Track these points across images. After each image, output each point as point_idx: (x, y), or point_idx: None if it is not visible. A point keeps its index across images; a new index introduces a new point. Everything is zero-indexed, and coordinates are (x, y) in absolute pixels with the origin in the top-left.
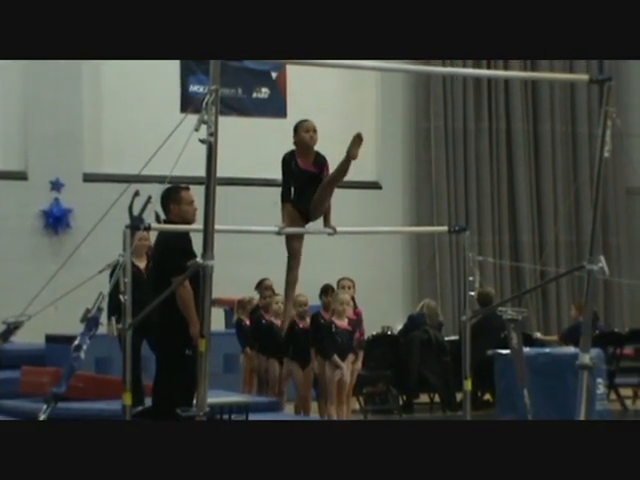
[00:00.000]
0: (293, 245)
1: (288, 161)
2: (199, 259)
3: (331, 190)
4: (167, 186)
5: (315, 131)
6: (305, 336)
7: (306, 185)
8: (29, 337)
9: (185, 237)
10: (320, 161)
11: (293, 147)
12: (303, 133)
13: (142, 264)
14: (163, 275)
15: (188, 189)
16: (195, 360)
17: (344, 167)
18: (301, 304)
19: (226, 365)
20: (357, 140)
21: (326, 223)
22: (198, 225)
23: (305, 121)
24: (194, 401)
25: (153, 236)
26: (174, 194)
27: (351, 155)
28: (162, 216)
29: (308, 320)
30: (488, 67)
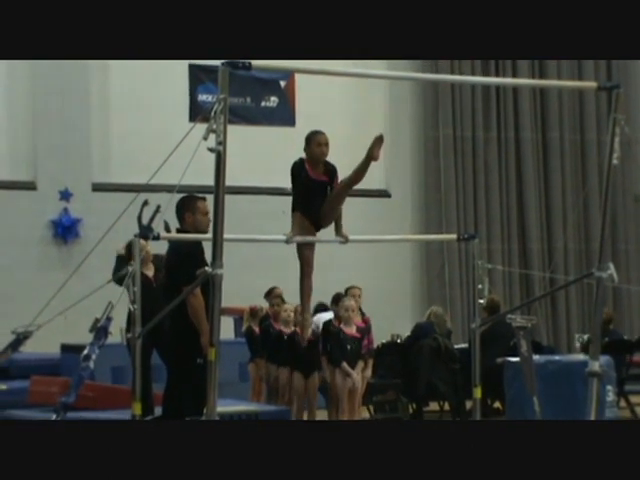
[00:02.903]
0: (304, 253)
1: (297, 170)
2: (208, 268)
3: (345, 194)
4: (178, 195)
5: (327, 144)
6: (308, 346)
7: (316, 194)
8: (40, 347)
9: (198, 246)
10: (330, 170)
11: (302, 155)
12: (315, 147)
13: (150, 272)
14: (175, 283)
15: (204, 200)
16: (205, 369)
17: (363, 168)
18: None
19: (241, 374)
20: (378, 141)
21: (338, 232)
22: (207, 234)
23: (318, 133)
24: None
25: (157, 245)
26: (190, 203)
27: (372, 156)
28: (171, 225)
29: (310, 330)
30: (497, 73)
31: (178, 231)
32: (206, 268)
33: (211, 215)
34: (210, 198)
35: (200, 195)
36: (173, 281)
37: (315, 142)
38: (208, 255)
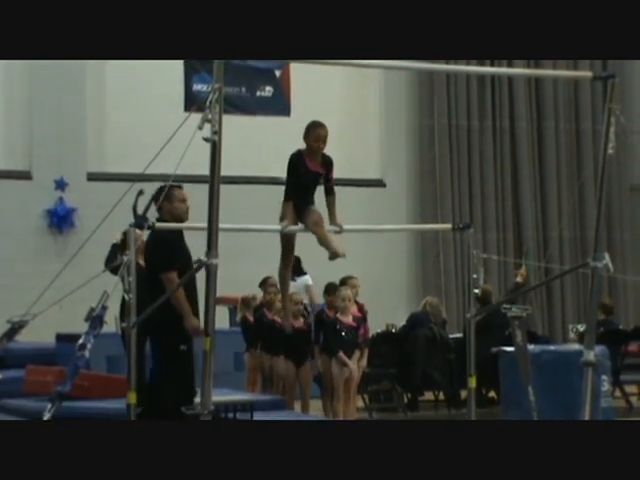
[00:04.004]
0: (289, 242)
1: (296, 162)
2: (203, 257)
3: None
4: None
5: (325, 140)
6: (299, 335)
7: (309, 185)
8: (35, 336)
9: (174, 232)
10: (327, 161)
11: (298, 144)
12: (312, 142)
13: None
14: (152, 270)
15: (181, 187)
16: (190, 355)
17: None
18: (295, 302)
19: (237, 363)
20: (337, 255)
21: (332, 221)
22: (202, 224)
23: (318, 126)
24: (194, 398)
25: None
26: (167, 192)
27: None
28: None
29: (302, 320)
30: (492, 64)
31: (157, 220)
32: (201, 258)
33: (202, 203)
34: (205, 188)
35: (176, 184)
36: (151, 268)
37: (313, 136)
38: (200, 244)
